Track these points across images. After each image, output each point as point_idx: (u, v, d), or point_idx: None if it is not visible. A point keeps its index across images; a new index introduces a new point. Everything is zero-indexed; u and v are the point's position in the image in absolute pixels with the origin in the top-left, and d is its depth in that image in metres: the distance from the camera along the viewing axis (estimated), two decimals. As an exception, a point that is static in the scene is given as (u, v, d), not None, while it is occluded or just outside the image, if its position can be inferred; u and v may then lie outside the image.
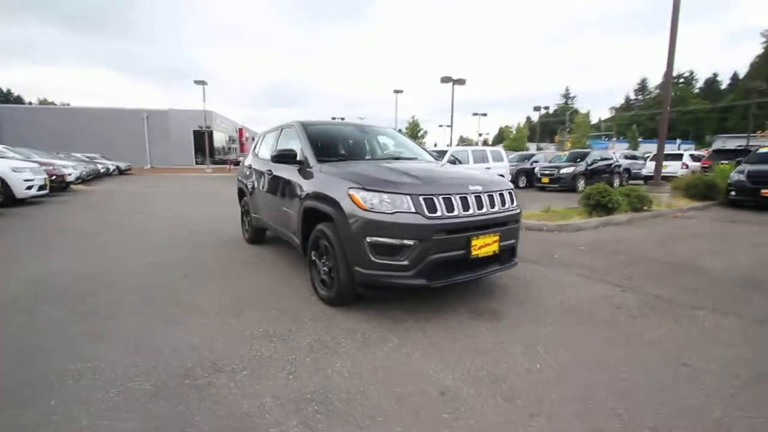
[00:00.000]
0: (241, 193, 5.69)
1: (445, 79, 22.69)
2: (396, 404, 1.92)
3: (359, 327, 2.79)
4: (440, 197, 2.76)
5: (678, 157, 16.98)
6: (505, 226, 3.09)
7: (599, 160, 15.32)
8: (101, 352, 2.44)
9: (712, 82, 72.03)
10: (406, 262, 2.68)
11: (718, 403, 1.93)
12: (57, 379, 2.14)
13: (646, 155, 20.04)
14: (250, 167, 5.20)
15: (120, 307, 3.18)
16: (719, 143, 42.14)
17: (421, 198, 2.71)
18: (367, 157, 4.14)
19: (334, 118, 49.53)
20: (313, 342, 2.58)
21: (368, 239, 2.71)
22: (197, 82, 28.24)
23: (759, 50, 58.69)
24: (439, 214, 2.72)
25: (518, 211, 3.27)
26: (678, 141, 44.91)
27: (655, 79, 75.34)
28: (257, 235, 5.36)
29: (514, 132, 42.92)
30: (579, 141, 36.10)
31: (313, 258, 3.37)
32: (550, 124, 68.74)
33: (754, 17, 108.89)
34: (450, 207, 2.78)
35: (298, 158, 3.68)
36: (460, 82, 22.68)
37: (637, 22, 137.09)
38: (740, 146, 20.18)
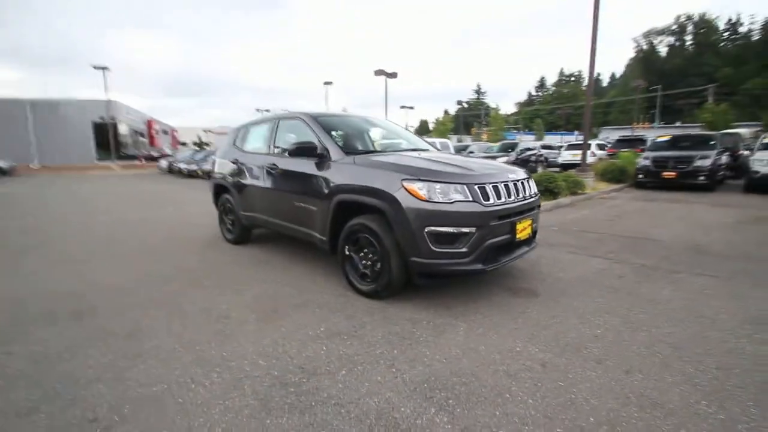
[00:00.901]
0: (221, 191, 5.25)
1: (379, 72, 22.92)
2: (511, 380, 2.04)
3: (420, 316, 2.84)
4: (489, 185, 2.91)
5: (587, 146, 19.38)
6: (534, 210, 3.36)
7: (526, 150, 16.86)
8: (156, 374, 2.15)
9: (596, 81, 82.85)
10: (465, 249, 2.78)
11: (744, 341, 2.39)
12: (132, 409, 1.86)
13: (560, 146, 22.52)
14: (236, 161, 4.81)
15: (135, 324, 2.80)
16: (604, 134, 48.87)
17: (475, 187, 2.83)
18: (388, 149, 4.10)
19: (258, 110, 46.96)
20: (387, 335, 2.57)
21: (428, 229, 2.75)
22: (97, 68, 24.67)
23: (632, 53, 69.24)
24: (491, 201, 2.87)
25: (539, 196, 3.56)
26: (575, 132, 51.10)
27: (551, 78, 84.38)
28: (244, 234, 5.01)
29: (434, 124, 45.34)
30: (495, 134, 39.25)
31: (348, 253, 3.30)
32: (465, 118, 73.26)
33: (624, 26, 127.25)
34: (498, 194, 2.94)
35: (318, 151, 3.53)
36: (393, 75, 23.10)
37: (537, 25, 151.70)
38: (623, 136, 23.45)
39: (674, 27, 64.45)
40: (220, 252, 4.78)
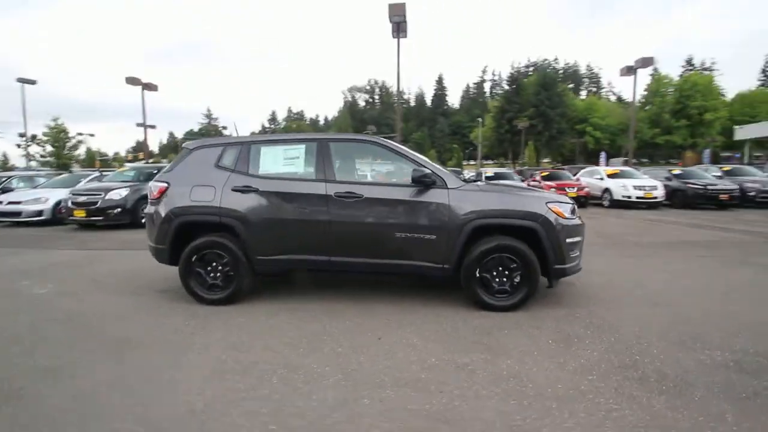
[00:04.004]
0: (194, 230, 3.67)
1: (133, 81, 18.40)
2: (708, 326, 3.17)
3: (562, 313, 3.49)
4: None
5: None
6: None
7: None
8: None
9: (315, 122, 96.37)
10: (578, 253, 3.71)
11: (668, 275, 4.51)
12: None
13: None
14: (248, 189, 3.59)
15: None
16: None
17: (574, 206, 3.81)
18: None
19: None
20: (591, 331, 3.13)
21: (568, 240, 3.50)
22: None
23: (342, 102, 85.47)
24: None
25: None
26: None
27: (282, 113, 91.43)
28: (246, 288, 3.74)
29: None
30: None
31: (478, 274, 3.48)
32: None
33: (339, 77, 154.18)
34: (568, 211, 4.02)
35: (433, 179, 3.49)
36: (152, 87, 19.13)
37: (270, 58, 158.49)
38: None
39: (367, 87, 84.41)
40: (266, 314, 3.41)
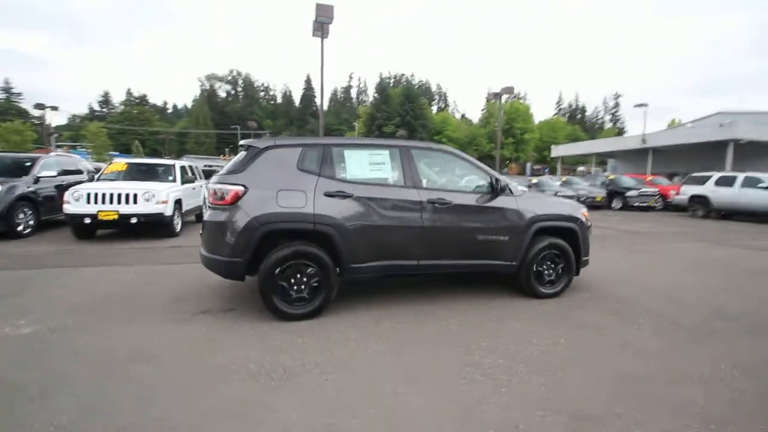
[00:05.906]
0: (274, 238, 3.36)
1: None
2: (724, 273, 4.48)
3: (587, 295, 4.46)
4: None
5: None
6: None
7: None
8: None
9: (162, 109, 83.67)
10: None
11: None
12: None
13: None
14: (342, 194, 3.41)
15: None
16: (188, 161, 51.69)
17: (579, 210, 4.84)
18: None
19: None
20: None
21: (589, 237, 4.49)
22: None
23: (198, 90, 76.29)
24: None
25: None
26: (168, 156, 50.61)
27: (118, 95, 76.27)
28: (331, 299, 3.55)
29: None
30: (100, 154, 31.53)
31: (535, 268, 4.17)
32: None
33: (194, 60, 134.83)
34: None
35: (503, 186, 4.01)
36: None
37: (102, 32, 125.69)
38: (208, 166, 21.70)
39: (229, 78, 77.67)
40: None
